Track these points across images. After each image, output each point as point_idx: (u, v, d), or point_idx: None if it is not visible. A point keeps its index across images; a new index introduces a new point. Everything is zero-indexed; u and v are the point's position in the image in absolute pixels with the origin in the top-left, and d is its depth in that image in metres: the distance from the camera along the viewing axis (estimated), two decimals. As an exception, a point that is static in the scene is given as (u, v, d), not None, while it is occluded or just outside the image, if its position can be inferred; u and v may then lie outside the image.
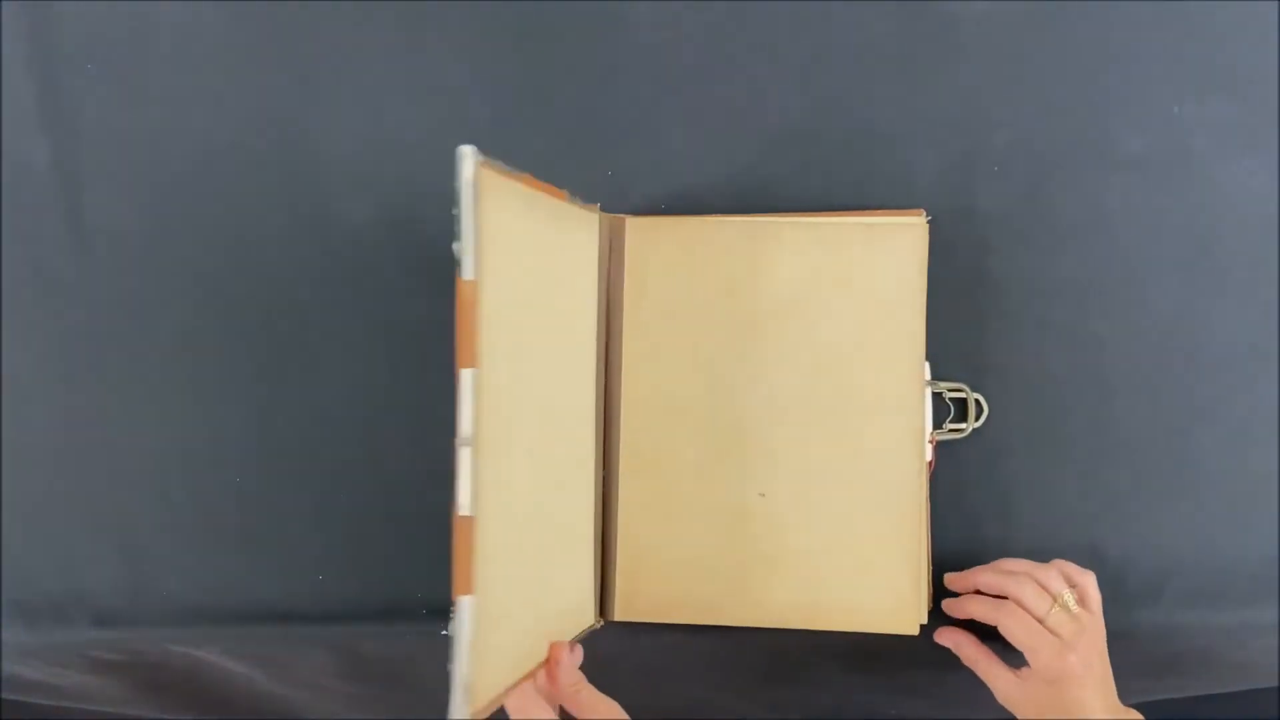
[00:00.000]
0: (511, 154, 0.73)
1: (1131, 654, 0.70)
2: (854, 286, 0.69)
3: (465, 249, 0.50)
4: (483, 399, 0.51)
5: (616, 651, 0.75)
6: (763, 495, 0.69)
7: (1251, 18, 0.72)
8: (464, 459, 0.51)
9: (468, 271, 0.50)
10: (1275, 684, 0.78)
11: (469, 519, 0.50)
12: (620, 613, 0.70)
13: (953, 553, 0.71)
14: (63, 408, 0.75)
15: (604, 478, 0.70)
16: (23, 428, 0.75)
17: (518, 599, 0.56)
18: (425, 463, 0.72)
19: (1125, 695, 0.66)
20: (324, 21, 0.75)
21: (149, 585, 0.74)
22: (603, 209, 0.71)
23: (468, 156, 0.51)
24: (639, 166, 0.73)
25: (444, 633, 0.72)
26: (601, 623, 0.71)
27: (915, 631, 0.68)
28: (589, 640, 0.72)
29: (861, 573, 0.68)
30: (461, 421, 0.50)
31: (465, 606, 0.49)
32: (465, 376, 0.50)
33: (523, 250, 0.56)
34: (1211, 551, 0.71)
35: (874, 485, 0.68)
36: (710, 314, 0.70)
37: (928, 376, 0.70)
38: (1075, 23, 0.72)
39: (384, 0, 0.74)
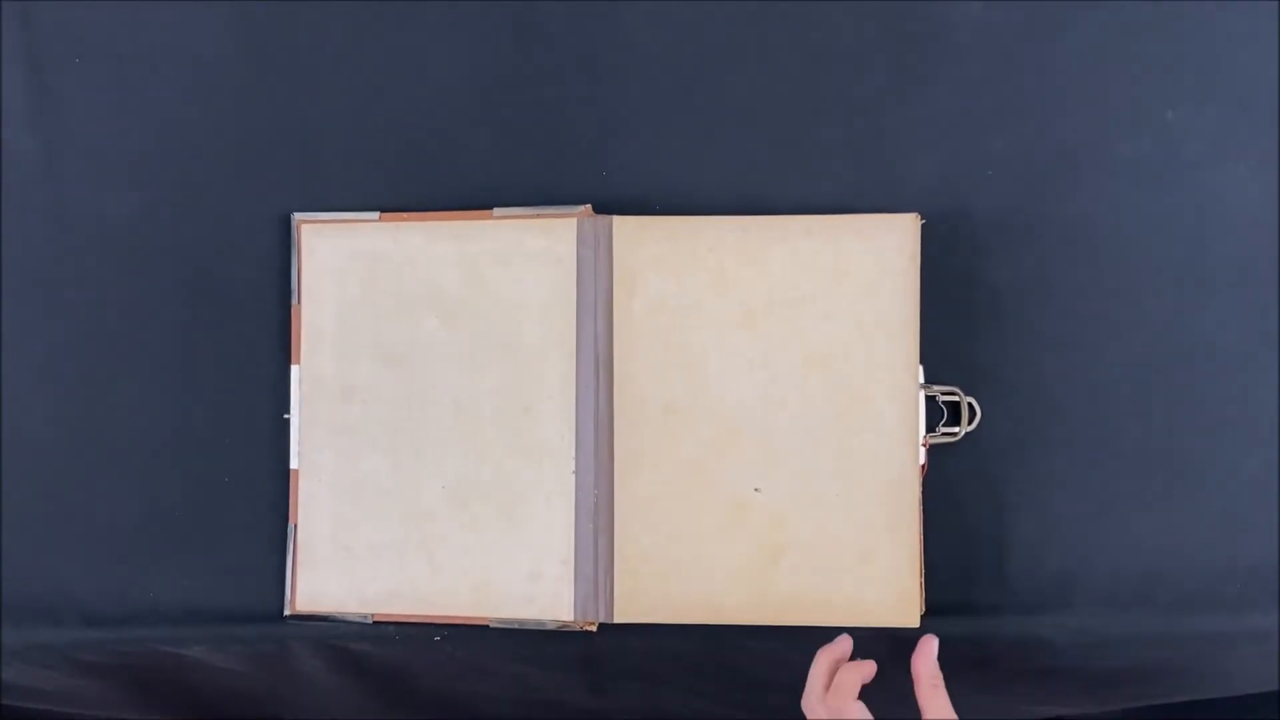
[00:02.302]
0: (505, 152, 0.74)
1: (1122, 659, 0.70)
2: (846, 282, 0.70)
3: (293, 284, 0.73)
4: (308, 388, 0.73)
5: (606, 655, 0.75)
6: (758, 490, 0.70)
7: (1246, 24, 0.71)
8: (293, 428, 0.73)
9: (295, 299, 0.73)
10: (1269, 689, 0.77)
11: (296, 470, 0.73)
12: (620, 614, 0.70)
13: (945, 556, 0.71)
14: (50, 406, 0.75)
15: (606, 477, 0.71)
16: (10, 426, 0.75)
17: (366, 544, 0.72)
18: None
19: (1117, 701, 0.66)
20: (316, 19, 0.75)
21: (137, 585, 0.75)
22: (597, 209, 0.72)
23: (293, 219, 0.73)
24: (633, 167, 0.74)
25: (436, 639, 0.73)
26: (595, 626, 0.71)
27: (916, 624, 0.68)
28: (581, 641, 0.73)
29: (860, 567, 0.69)
30: (292, 402, 0.73)
31: (290, 531, 0.73)
32: (294, 370, 0.73)
33: (371, 276, 0.73)
34: (1203, 557, 0.71)
35: (870, 479, 0.69)
36: (701, 311, 0.70)
37: (921, 379, 0.70)
38: (1070, 28, 0.72)
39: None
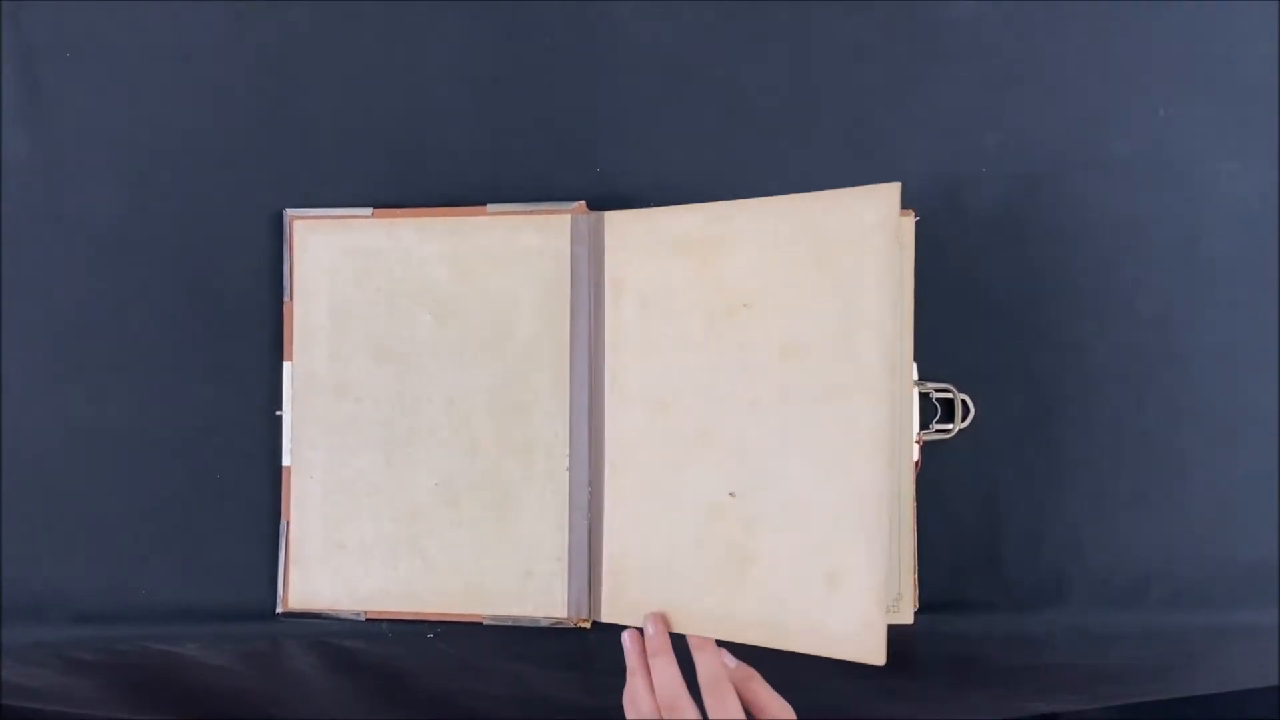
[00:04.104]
0: (500, 149, 0.74)
1: (1117, 655, 0.70)
2: (822, 264, 0.64)
3: (285, 281, 0.73)
4: (300, 384, 0.73)
5: (600, 652, 0.75)
6: (732, 495, 0.66)
7: (1238, 22, 0.72)
8: (285, 425, 0.73)
9: (287, 296, 0.73)
10: (1264, 685, 0.77)
11: (288, 468, 0.73)
12: (606, 614, 0.70)
13: (939, 553, 0.71)
14: (42, 403, 0.75)
15: (599, 475, 0.71)
16: (2, 423, 0.75)
17: (355, 539, 0.72)
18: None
19: (1112, 697, 0.66)
20: (310, 18, 0.75)
21: (129, 583, 0.74)
22: (591, 206, 0.72)
23: (286, 215, 0.74)
24: (627, 164, 0.74)
25: (429, 636, 0.73)
26: (588, 623, 0.71)
27: (880, 662, 0.60)
28: (575, 638, 0.73)
29: (828, 590, 0.62)
30: (284, 399, 0.73)
31: (282, 528, 0.73)
32: (286, 367, 0.73)
33: (364, 273, 0.73)
34: (1198, 554, 0.71)
35: (841, 489, 0.63)
36: (681, 303, 0.68)
37: (915, 377, 0.70)
38: (1063, 25, 0.72)
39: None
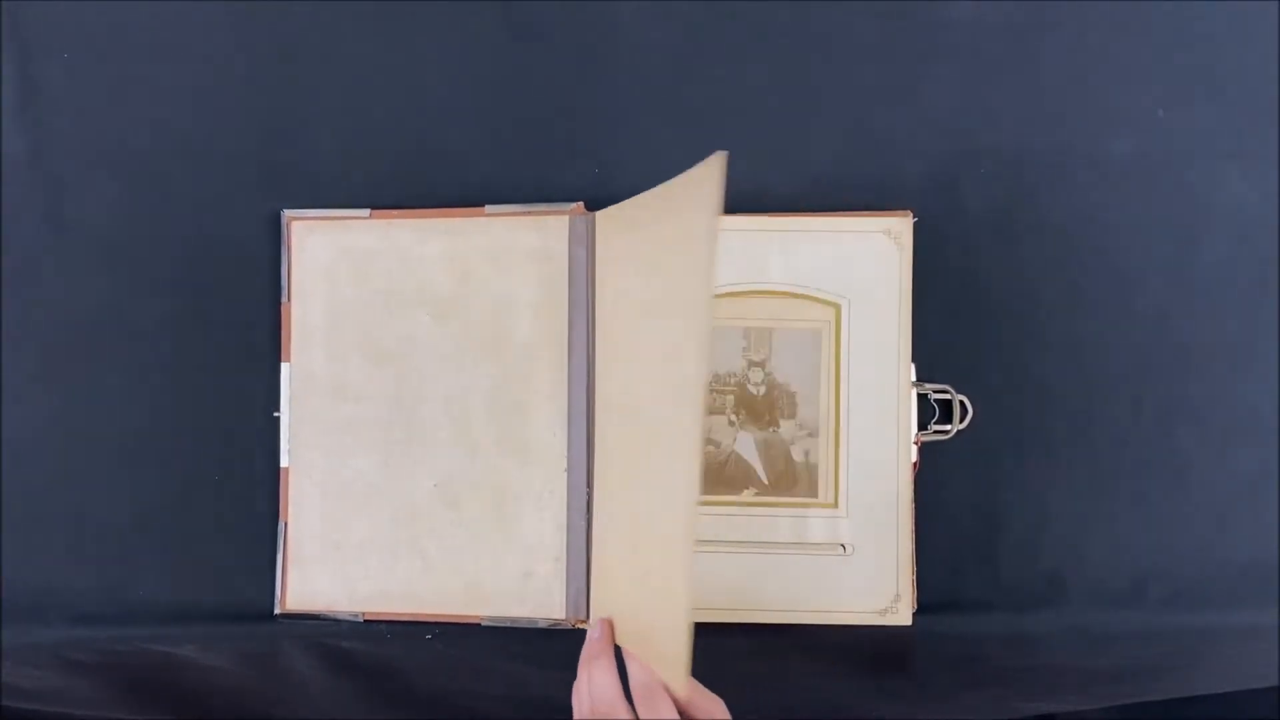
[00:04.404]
0: (498, 150, 0.74)
1: (1114, 655, 0.70)
2: (670, 254, 0.59)
3: (283, 282, 0.74)
4: (298, 385, 0.73)
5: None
6: (646, 502, 0.62)
7: (1236, 22, 0.72)
8: (283, 426, 0.73)
9: (285, 297, 0.73)
10: (1262, 685, 0.77)
11: (286, 468, 0.73)
12: (594, 617, 0.70)
13: (937, 553, 0.71)
14: (40, 403, 0.75)
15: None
16: (1, 424, 0.75)
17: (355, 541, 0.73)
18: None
19: (1110, 697, 0.66)
20: (307, 18, 0.75)
21: (127, 583, 0.74)
22: (590, 206, 0.72)
23: (284, 216, 0.74)
24: (626, 164, 0.74)
25: (428, 636, 0.73)
26: (587, 624, 0.71)
27: (681, 692, 0.55)
28: (573, 639, 0.73)
29: (665, 606, 0.57)
30: (282, 399, 0.73)
31: (280, 529, 0.73)
32: (284, 368, 0.73)
33: (361, 274, 0.73)
34: (1195, 554, 0.71)
35: (666, 499, 0.58)
36: (635, 303, 0.66)
37: (913, 378, 0.70)
38: (1062, 26, 0.72)
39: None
